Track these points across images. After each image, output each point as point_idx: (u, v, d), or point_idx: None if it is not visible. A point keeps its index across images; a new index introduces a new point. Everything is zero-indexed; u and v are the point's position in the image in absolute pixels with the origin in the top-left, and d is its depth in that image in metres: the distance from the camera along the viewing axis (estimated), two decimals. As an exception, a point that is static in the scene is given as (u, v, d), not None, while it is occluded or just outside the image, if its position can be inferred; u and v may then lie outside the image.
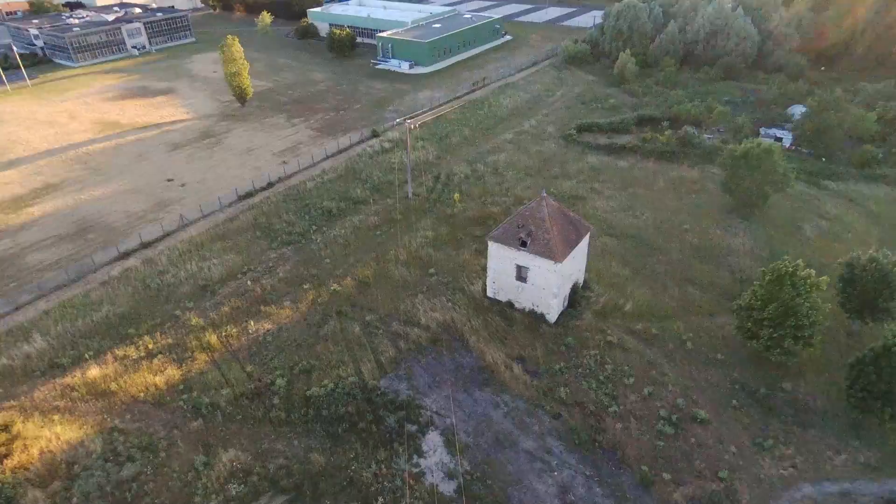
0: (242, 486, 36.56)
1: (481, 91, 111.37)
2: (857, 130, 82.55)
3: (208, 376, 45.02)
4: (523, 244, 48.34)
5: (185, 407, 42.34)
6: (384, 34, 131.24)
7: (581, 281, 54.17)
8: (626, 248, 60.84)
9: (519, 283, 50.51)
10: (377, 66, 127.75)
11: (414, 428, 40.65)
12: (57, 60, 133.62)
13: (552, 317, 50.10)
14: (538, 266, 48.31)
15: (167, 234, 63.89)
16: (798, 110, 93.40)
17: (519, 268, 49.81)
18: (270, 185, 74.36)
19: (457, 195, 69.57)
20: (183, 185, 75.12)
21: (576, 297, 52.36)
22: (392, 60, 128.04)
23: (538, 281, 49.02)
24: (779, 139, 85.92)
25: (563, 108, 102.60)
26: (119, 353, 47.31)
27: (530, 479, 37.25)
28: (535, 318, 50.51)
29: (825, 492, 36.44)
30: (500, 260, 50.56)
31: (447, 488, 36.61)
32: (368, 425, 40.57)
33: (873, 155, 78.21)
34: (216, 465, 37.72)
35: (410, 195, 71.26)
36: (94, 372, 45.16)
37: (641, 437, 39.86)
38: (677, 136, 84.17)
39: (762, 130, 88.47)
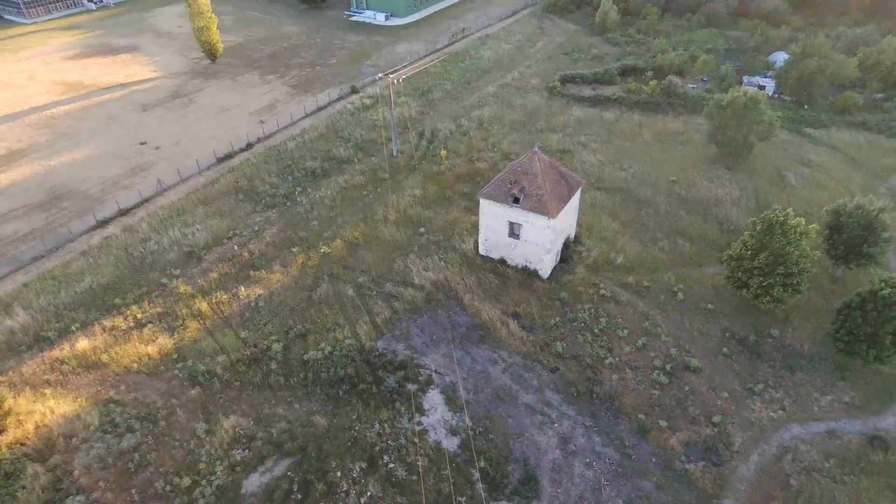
0: (246, 451, 36.64)
1: (461, 43, 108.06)
2: (838, 77, 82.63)
3: (202, 344, 44.40)
4: (516, 200, 47.86)
5: (180, 375, 41.83)
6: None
7: (573, 235, 54.20)
8: (616, 202, 60.85)
9: (512, 239, 50.29)
10: (351, 18, 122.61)
11: (414, 387, 40.94)
12: (6, 17, 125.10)
13: (545, 272, 50.26)
14: (531, 222, 48.04)
15: (146, 200, 61.67)
16: (780, 57, 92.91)
17: (511, 224, 49.48)
18: (249, 145, 71.90)
19: (443, 152, 68.25)
20: (157, 148, 72.13)
21: (568, 251, 52.47)
22: (367, 11, 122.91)
23: (531, 237, 48.85)
24: (762, 87, 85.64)
25: (545, 59, 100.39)
26: (107, 324, 46.20)
27: (531, 432, 38.06)
28: (529, 274, 50.62)
29: (812, 431, 38.08)
30: (493, 217, 50.12)
31: (451, 444, 37.22)
32: (369, 386, 40.72)
33: (854, 101, 78.68)
34: (218, 432, 37.62)
35: (395, 153, 69.71)
36: (83, 344, 44.12)
37: (637, 387, 40.85)
38: (662, 86, 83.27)
39: (745, 79, 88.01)
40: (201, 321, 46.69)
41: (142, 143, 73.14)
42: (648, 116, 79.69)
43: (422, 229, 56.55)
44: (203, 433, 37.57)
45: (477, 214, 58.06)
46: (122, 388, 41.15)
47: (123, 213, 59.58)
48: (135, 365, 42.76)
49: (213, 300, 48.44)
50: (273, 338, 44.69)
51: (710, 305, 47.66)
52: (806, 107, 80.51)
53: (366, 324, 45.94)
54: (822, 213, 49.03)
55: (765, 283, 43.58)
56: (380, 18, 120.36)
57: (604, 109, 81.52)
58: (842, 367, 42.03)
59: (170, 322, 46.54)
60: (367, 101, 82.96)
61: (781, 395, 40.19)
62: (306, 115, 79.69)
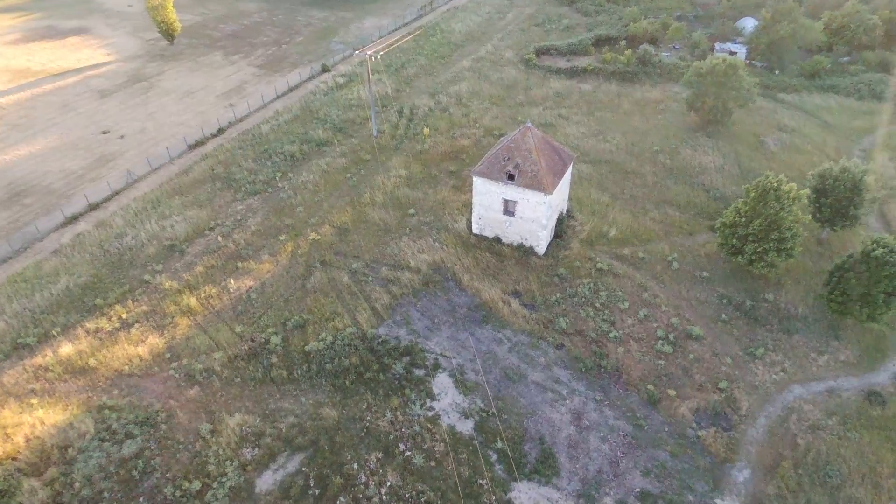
0: (256, 448, 35.47)
1: (430, 16, 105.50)
2: (806, 41, 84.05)
3: (196, 341, 42.57)
4: (510, 177, 47.10)
5: (176, 375, 40.05)
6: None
7: (565, 210, 53.93)
8: (603, 174, 60.77)
9: (506, 217, 49.65)
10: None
11: (422, 372, 40.30)
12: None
13: (541, 249, 49.93)
14: (527, 199, 47.43)
15: (116, 193, 58.38)
16: (748, 23, 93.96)
17: (506, 202, 48.78)
18: (221, 130, 68.75)
19: (426, 130, 66.71)
20: (122, 136, 68.20)
21: (562, 226, 52.21)
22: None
23: (527, 214, 48.31)
24: (733, 53, 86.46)
25: (517, 31, 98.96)
26: (90, 326, 43.76)
27: (544, 410, 38.04)
28: (524, 251, 50.21)
29: (813, 391, 39.24)
30: (486, 195, 49.29)
31: (464, 427, 36.87)
32: (375, 374, 39.85)
33: (822, 65, 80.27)
34: (224, 432, 36.24)
35: (376, 133, 67.77)
36: (66, 349, 41.70)
37: (643, 359, 41.21)
38: (637, 55, 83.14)
39: (717, 46, 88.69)
40: (192, 317, 44.71)
41: (104, 133, 69.04)
42: (626, 86, 79.64)
43: (411, 210, 55.33)
44: (208, 433, 36.15)
45: (466, 193, 57.44)
46: (115, 392, 39.17)
47: (94, 207, 56.30)
48: (126, 367, 40.70)
49: (202, 295, 46.42)
50: (270, 330, 43.18)
51: (704, 273, 48.30)
52: (777, 72, 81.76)
53: (365, 310, 44.85)
54: (808, 176, 49.91)
55: (759, 249, 44.28)
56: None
57: (581, 81, 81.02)
58: (835, 327, 43.34)
59: (158, 320, 44.41)
60: (341, 80, 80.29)
61: (781, 358, 41.22)
62: (278, 97, 76.61)
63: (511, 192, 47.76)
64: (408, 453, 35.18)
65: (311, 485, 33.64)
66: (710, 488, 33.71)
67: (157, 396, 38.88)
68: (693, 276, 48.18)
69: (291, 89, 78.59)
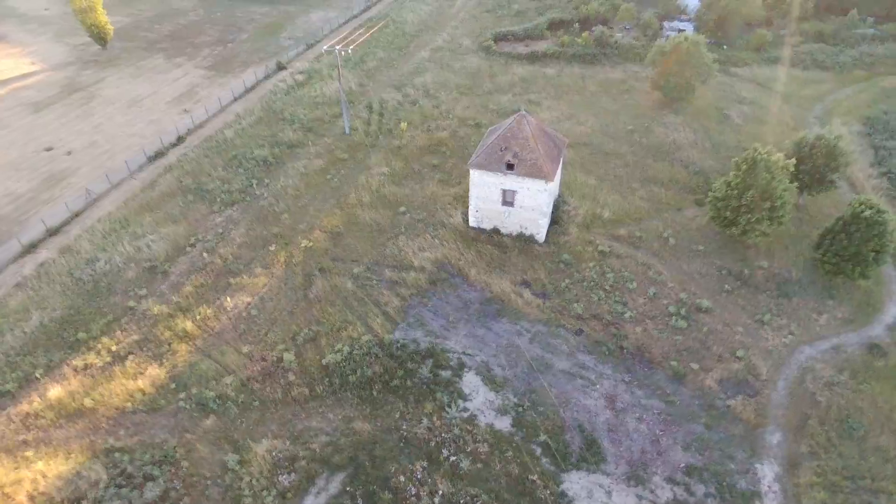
0: (291, 473, 33.53)
1: (378, 6, 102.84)
2: (748, 16, 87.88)
3: (201, 367, 39.70)
4: (510, 167, 46.55)
5: (187, 407, 37.20)
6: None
7: (558, 195, 54.02)
8: (584, 157, 61.32)
9: (505, 207, 49.14)
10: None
11: (448, 373, 39.33)
12: None
13: (541, 236, 49.81)
14: (527, 188, 47.07)
15: (76, 215, 53.46)
16: (691, 1, 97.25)
17: (505, 192, 48.22)
18: (181, 139, 64.29)
19: (404, 124, 65.00)
20: (69, 152, 62.45)
21: (557, 212, 52.29)
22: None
23: (527, 202, 47.98)
24: (681, 31, 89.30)
25: (469, 18, 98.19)
26: (77, 363, 39.89)
27: (577, 397, 38.04)
28: (525, 240, 49.94)
29: (821, 349, 41.23)
30: (484, 187, 48.54)
31: (503, 425, 36.32)
32: (402, 381, 38.52)
33: (765, 38, 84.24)
34: (253, 460, 34.04)
35: (348, 130, 65.40)
36: (55, 391, 37.83)
37: (661, 336, 41.97)
38: (594, 37, 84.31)
39: (665, 24, 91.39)
40: (190, 342, 41.65)
41: (47, 150, 63.03)
42: (587, 68, 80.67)
43: (402, 208, 53.82)
44: (236, 465, 33.83)
45: (454, 186, 56.58)
46: (122, 432, 35.95)
47: (53, 232, 51.31)
48: (128, 404, 37.43)
49: (198, 317, 43.31)
50: (280, 347, 40.91)
51: (700, 247, 49.67)
52: (724, 47, 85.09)
53: (377, 316, 43.26)
54: (786, 145, 52.13)
55: (753, 220, 45.93)
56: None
57: (543, 65, 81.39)
58: (828, 287, 45.67)
59: (153, 349, 41.09)
60: (300, 77, 76.93)
61: (786, 322, 43.04)
62: (236, 99, 72.50)
63: (510, 182, 47.23)
64: (452, 458, 34.28)
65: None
66: (749, 454, 34.81)
67: (171, 431, 36.01)
68: (690, 251, 49.47)
69: (249, 90, 74.56)
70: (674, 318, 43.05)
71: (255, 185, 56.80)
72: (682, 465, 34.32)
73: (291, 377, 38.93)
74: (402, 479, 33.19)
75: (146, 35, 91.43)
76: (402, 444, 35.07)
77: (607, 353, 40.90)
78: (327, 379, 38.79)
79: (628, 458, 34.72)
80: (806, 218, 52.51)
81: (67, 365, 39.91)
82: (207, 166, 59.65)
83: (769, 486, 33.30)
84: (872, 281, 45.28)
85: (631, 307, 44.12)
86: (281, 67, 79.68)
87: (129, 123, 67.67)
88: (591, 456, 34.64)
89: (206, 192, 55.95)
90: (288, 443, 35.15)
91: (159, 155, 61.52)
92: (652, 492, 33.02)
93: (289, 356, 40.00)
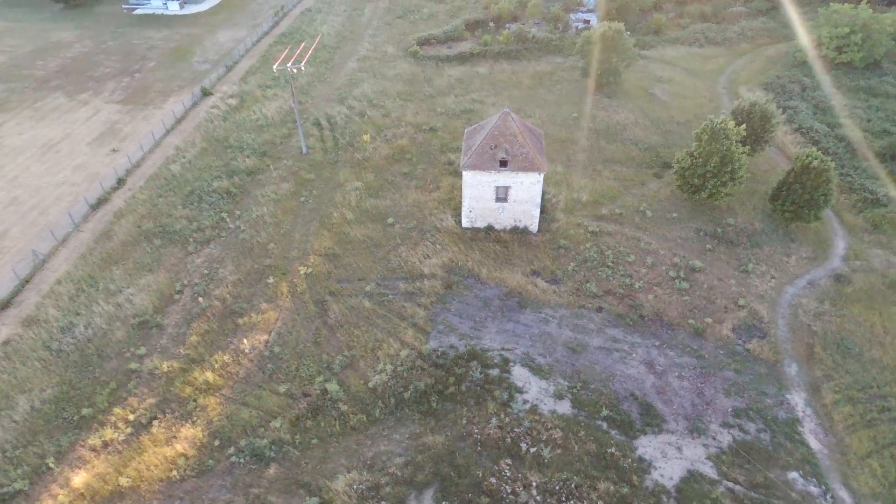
0: (381, 502, 32.51)
1: (286, 22, 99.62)
2: (641, 3, 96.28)
3: (241, 416, 37.01)
4: (503, 164, 47.89)
5: (241, 461, 34.58)
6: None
7: (538, 186, 56.24)
8: (545, 147, 64.08)
9: (499, 204, 50.45)
10: (135, 12, 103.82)
11: (496, 371, 39.96)
12: None
13: (535, 227, 51.73)
14: (520, 182, 48.71)
15: (27, 281, 47.03)
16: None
17: (498, 189, 49.52)
18: (122, 181, 58.48)
19: (366, 136, 63.97)
20: (-11, 213, 54.62)
21: (542, 202, 54.44)
22: (154, 2, 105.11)
23: (521, 196, 49.62)
24: (587, 22, 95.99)
25: (384, 26, 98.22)
26: (93, 441, 35.49)
27: (619, 369, 40.32)
28: (520, 232, 51.61)
29: (800, 287, 46.99)
30: (478, 186, 49.48)
31: (564, 408, 37.65)
32: (456, 387, 38.56)
33: (662, 22, 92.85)
34: (336, 499, 32.49)
35: (305, 150, 63.20)
36: (80, 479, 33.48)
37: (670, 299, 45.52)
38: (513, 34, 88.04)
39: (571, 17, 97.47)
40: (217, 393, 38.62)
41: (-41, 213, 54.59)
42: (514, 64, 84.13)
43: (390, 219, 53.29)
44: (319, 507, 32.21)
45: (434, 192, 56.97)
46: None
47: (4, 305, 44.81)
48: (173, 473, 34.06)
49: (216, 365, 40.20)
50: (319, 379, 39.18)
51: (674, 214, 54.23)
52: (629, 33, 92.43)
53: (407, 329, 42.75)
54: (726, 113, 58.27)
55: (718, 183, 51.11)
56: (173, 7, 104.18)
57: (474, 65, 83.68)
58: (787, 232, 51.97)
59: (178, 408, 37.61)
60: (233, 102, 72.78)
61: (766, 268, 48.48)
62: (169, 132, 67.12)
63: (504, 178, 48.60)
64: (532, 449, 35.04)
65: (461, 514, 31.99)
66: (778, 388, 39.05)
67: (232, 490, 33.36)
68: (667, 219, 53.85)
69: (179, 121, 69.30)
70: (676, 281, 46.86)
71: (227, 219, 53.28)
72: (730, 409, 37.78)
73: (343, 407, 37.51)
74: (493, 480, 33.43)
75: (31, 73, 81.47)
76: (479, 448, 35.21)
77: (631, 323, 43.67)
78: (380, 401, 37.85)
79: (683, 413, 37.54)
80: (749, 176, 59.04)
81: (82, 446, 35.43)
82: (165, 206, 54.95)
83: (803, 412, 37.65)
84: (820, 222, 52.20)
85: (637, 278, 47.33)
86: (206, 93, 74.82)
87: (51, 172, 60.36)
88: (651, 419, 37.01)
89: (173, 234, 51.60)
90: (365, 473, 33.94)
91: (103, 201, 55.61)
92: (714, 438, 36.04)
93: (332, 386, 38.45)
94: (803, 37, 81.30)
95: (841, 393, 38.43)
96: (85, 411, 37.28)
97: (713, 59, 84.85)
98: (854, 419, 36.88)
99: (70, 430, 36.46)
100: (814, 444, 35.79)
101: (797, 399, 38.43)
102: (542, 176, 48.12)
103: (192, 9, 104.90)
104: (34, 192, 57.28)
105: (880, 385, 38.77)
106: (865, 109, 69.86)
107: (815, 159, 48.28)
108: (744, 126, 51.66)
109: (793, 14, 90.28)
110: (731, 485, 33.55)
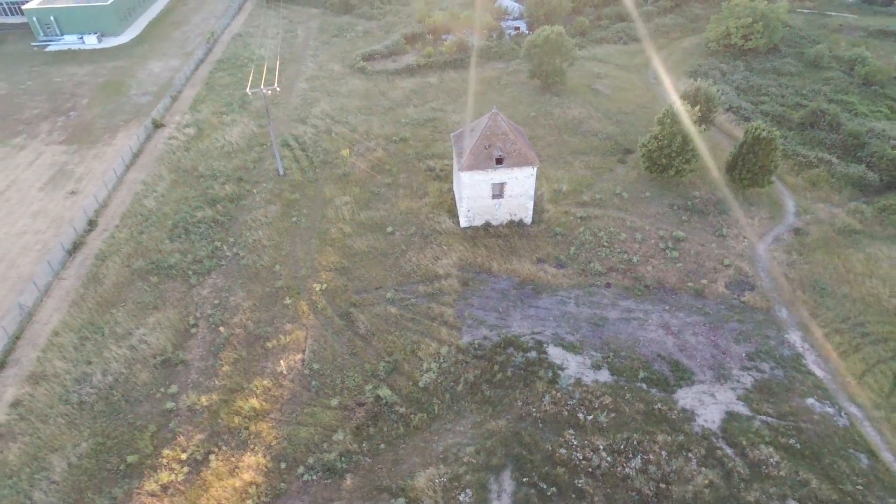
0: (466, 490, 33.56)
1: (219, 49, 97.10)
2: (563, 9, 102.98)
3: (300, 436, 36.66)
4: (499, 161, 50.43)
5: (314, 478, 34.38)
6: (32, 5, 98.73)
7: (522, 181, 59.28)
8: (513, 146, 67.52)
9: (495, 200, 52.91)
10: (48, 49, 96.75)
11: (533, 354, 42.14)
12: None
13: (529, 218, 54.67)
14: (515, 177, 51.46)
15: (17, 337, 43.40)
16: (506, 2, 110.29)
17: (494, 186, 51.97)
18: (93, 223, 55.08)
19: (345, 151, 64.19)
20: (-53, 273, 49.57)
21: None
22: (66, 37, 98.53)
23: (516, 191, 52.37)
24: (517, 28, 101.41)
25: (322, 45, 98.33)
26: (151, 487, 33.86)
27: (641, 334, 43.85)
28: (516, 225, 54.34)
29: (767, 243, 53.06)
30: (475, 186, 51.66)
31: (605, 377, 40.51)
32: (501, 375, 40.31)
33: (585, 24, 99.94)
34: (423, 496, 33.18)
35: (282, 171, 62.54)
36: (149, 524, 31.94)
37: (666, 268, 49.90)
38: (455, 44, 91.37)
39: (503, 24, 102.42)
40: (267, 419, 37.96)
41: (-90, 278, 49.14)
42: (461, 72, 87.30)
43: (389, 228, 54.22)
44: (407, 506, 32.74)
45: (423, 197, 58.62)
46: (261, 531, 32.06)
47: (1, 365, 41.20)
48: (248, 502, 33.24)
49: (258, 391, 39.42)
50: (369, 387, 39.56)
51: (647, 193, 59.19)
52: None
53: (442, 327, 44.00)
54: (670, 100, 64.40)
55: (683, 160, 56.64)
56: (91, 41, 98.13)
57: (423, 76, 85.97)
58: (747, 198, 58.34)
59: (231, 439, 36.62)
60: (190, 132, 70.28)
61: (737, 231, 54.27)
62: (128, 168, 63.80)
63: (500, 175, 51.15)
64: (590, 417, 37.50)
65: (543, 486, 33.72)
66: (777, 330, 44.18)
67: (312, 506, 33.15)
68: (641, 198, 58.67)
69: (137, 155, 65.98)
70: (667, 251, 51.42)
71: (223, 247, 51.83)
72: (743, 354, 42.30)
73: (400, 409, 38.15)
74: (562, 451, 35.48)
75: (-54, 121, 74.18)
76: (540, 425, 37.20)
77: (639, 293, 47.49)
78: (435, 398, 38.88)
79: (707, 364, 41.58)
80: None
81: (139, 493, 33.69)
82: (150, 242, 52.51)
83: (802, 347, 42.92)
84: (772, 186, 59.10)
85: (632, 253, 51.40)
86: (158, 125, 71.69)
87: (6, 222, 55.65)
88: (682, 374, 40.71)
89: (169, 269, 49.54)
90: (441, 466, 34.90)
91: (78, 245, 52.21)
92: (738, 381, 40.29)
93: (384, 391, 38.99)
94: (713, 29, 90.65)
95: (828, 326, 44.17)
96: (130, 458, 35.38)
97: (638, 53, 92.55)
98: (844, 347, 42.59)
99: (119, 479, 34.50)
100: (819, 372, 40.97)
101: (794, 337, 43.70)
102: (535, 169, 51.16)
103: (110, 42, 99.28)
104: (-5, 245, 52.74)
105: (856, 315, 44.94)
106: (777, 87, 79.51)
107: (763, 131, 54.90)
108: (697, 108, 57.62)
109: (697, 10, 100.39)
110: (763, 418, 37.77)
